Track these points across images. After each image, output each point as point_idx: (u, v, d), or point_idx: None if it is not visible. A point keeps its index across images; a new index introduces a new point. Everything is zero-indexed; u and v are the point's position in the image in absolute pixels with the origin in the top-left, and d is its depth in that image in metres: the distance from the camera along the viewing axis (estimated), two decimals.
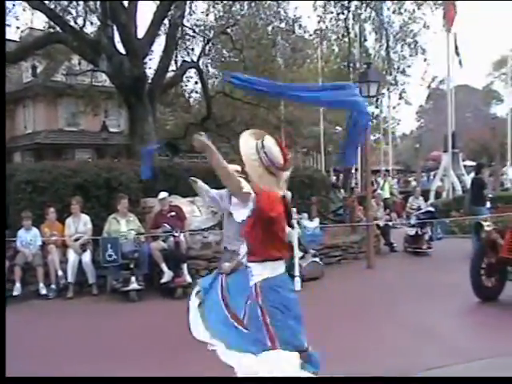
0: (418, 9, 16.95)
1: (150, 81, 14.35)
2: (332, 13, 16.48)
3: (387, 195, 17.11)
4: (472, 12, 39.04)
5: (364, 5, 16.29)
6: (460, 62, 19.23)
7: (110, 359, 5.18)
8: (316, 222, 9.91)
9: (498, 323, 6.15)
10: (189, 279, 8.22)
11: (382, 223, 11.85)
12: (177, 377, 4.37)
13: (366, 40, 19.79)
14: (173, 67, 16.83)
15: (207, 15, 16.73)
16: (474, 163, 18.78)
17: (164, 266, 8.08)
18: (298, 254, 8.63)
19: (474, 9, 57.77)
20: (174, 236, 8.30)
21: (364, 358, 5.10)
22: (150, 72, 15.35)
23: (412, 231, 11.55)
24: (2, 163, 6.18)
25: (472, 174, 12.95)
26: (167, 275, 8.03)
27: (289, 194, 10.19)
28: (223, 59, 17.89)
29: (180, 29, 15.28)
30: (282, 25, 16.83)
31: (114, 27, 12.64)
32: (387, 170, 25.19)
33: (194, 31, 16.61)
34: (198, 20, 16.78)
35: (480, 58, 67.40)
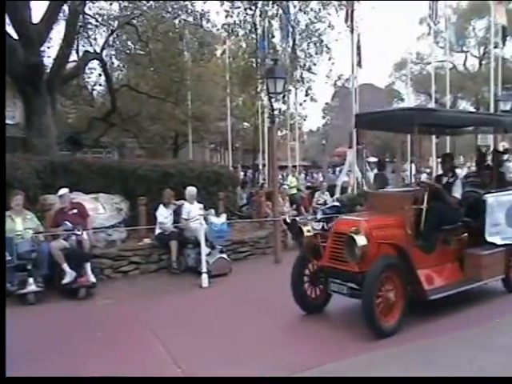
0: (324, 8, 17.51)
1: (48, 70, 13.77)
2: (239, 7, 16.62)
3: (294, 190, 17.58)
4: (375, 14, 40.94)
5: (271, 2, 16.57)
6: (359, 63, 20.09)
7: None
8: (223, 217, 10.03)
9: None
10: (93, 279, 8.07)
11: (288, 218, 12.17)
12: (177, 377, 4.41)
13: (273, 37, 20.11)
14: (74, 57, 16.21)
15: (111, 4, 16.27)
16: (376, 159, 19.71)
17: (66, 266, 7.87)
18: (204, 250, 8.71)
19: (377, 10, 60.46)
20: (76, 234, 8.13)
21: (260, 354, 5.31)
22: (48, 61, 14.70)
23: (318, 226, 11.95)
24: (2, 163, 5.95)
25: (375, 170, 13.60)
26: (69, 275, 7.84)
27: (194, 190, 10.12)
28: (128, 51, 17.47)
29: (81, 17, 14.73)
30: (190, 18, 16.74)
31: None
32: (294, 166, 25.83)
33: (97, 20, 16.05)
34: (101, 9, 16.26)
35: (383, 59, 70.90)
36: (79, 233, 8.17)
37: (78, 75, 16.90)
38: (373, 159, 23.68)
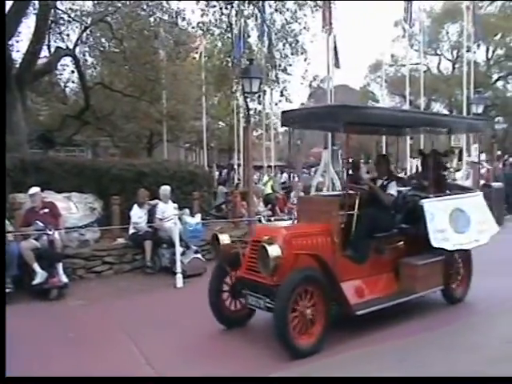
0: (300, 9, 17.59)
1: (17, 65, 13.52)
2: (215, 6, 16.59)
3: (269, 190, 17.62)
4: (351, 15, 41.28)
5: (247, 1, 16.58)
6: (337, 64, 20.26)
7: None
8: (198, 217, 10.01)
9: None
10: (64, 279, 7.98)
11: (263, 218, 12.19)
12: (177, 377, 4.40)
13: (249, 36, 20.15)
14: (46, 53, 15.96)
15: (84, 0, 16.11)
16: (350, 160, 19.89)
17: (36, 266, 7.78)
18: (179, 250, 8.68)
19: (352, 12, 61.02)
20: (48, 234, 8.04)
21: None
22: (17, 56, 14.45)
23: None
24: (2, 163, 5.82)
25: (350, 171, 13.69)
26: (40, 276, 7.74)
27: (168, 189, 10.05)
28: (102, 48, 17.24)
29: (53, 11, 14.50)
30: (165, 17, 16.62)
31: None
32: (270, 166, 25.89)
33: (70, 16, 15.80)
34: (73, 4, 16.04)
35: (358, 60, 71.58)
36: (51, 232, 8.07)
37: (50, 71, 16.66)
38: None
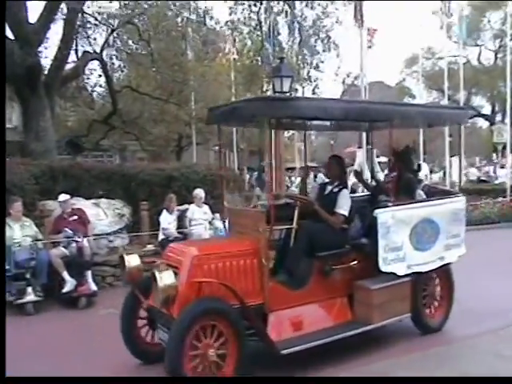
0: (331, 3, 17.53)
1: (46, 72, 13.81)
2: (244, 4, 16.67)
3: None
4: (385, 8, 40.84)
5: None
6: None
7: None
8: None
9: None
10: (93, 287, 8.05)
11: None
12: (177, 377, 4.34)
13: (279, 34, 20.17)
14: (73, 58, 16.28)
15: (111, 2, 16.35)
16: (387, 159, 19.64)
17: (66, 274, 7.85)
18: None
19: (386, 5, 60.42)
20: (77, 241, 8.12)
21: None
22: (46, 62, 14.76)
23: None
24: (2, 162, 5.96)
25: (386, 171, 13.48)
26: (69, 284, 7.82)
27: (202, 192, 10.03)
28: (129, 51, 17.53)
29: (80, 16, 14.78)
30: (193, 16, 16.80)
31: None
32: (303, 167, 25.81)
33: (96, 19, 16.12)
34: (100, 7, 16.29)
35: (393, 56, 70.75)
36: (80, 240, 8.15)
37: (78, 76, 16.98)
38: (383, 159, 23.59)
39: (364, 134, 18.51)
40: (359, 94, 21.12)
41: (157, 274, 4.62)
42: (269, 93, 21.45)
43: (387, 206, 5.76)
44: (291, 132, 29.49)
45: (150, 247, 9.70)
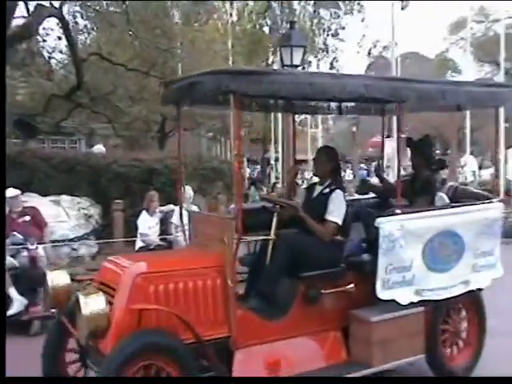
0: None
1: None
2: None
3: None
4: None
5: None
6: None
7: None
8: None
9: None
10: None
11: None
12: (177, 377, 4.39)
13: None
14: (23, 11, 16.02)
15: None
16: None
17: (13, 291, 7.77)
18: None
19: None
20: (29, 249, 8.10)
21: None
22: None
23: None
24: (2, 162, 6.08)
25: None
26: (18, 304, 7.74)
27: (191, 191, 9.91)
28: (98, 8, 17.32)
29: None
30: None
31: None
32: (297, 162, 25.81)
33: None
34: None
35: (433, 20, 70.37)
36: (33, 247, 8.12)
37: (30, 37, 16.66)
38: None
39: (395, 120, 18.50)
40: (388, 68, 21.04)
41: (81, 298, 4.42)
42: (275, 66, 21.36)
43: (393, 214, 5.51)
44: (303, 116, 29.47)
45: None
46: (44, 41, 18.62)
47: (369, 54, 31.85)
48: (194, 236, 5.93)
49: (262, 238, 5.59)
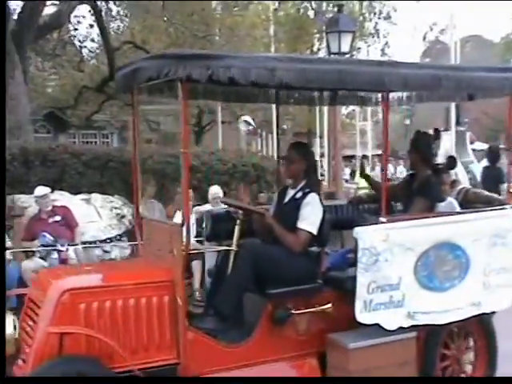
0: None
1: (14, 16, 13.79)
2: None
3: (365, 191, 17.35)
4: None
5: None
6: None
7: None
8: None
9: None
10: None
11: None
12: (178, 377, 4.51)
13: None
14: (54, 0, 16.25)
15: None
16: (486, 146, 19.20)
17: None
18: None
19: None
20: (60, 250, 8.14)
21: None
22: (15, 4, 14.73)
23: None
24: (2, 161, 6.25)
25: (485, 162, 13.15)
26: None
27: (219, 191, 9.85)
28: None
29: None
30: None
31: None
32: (365, 156, 25.56)
33: None
34: None
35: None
36: (63, 248, 8.17)
37: (61, 26, 16.87)
38: (480, 145, 23.17)
39: (453, 111, 18.28)
40: (446, 53, 20.79)
41: None
42: (321, 53, 21.30)
43: (376, 222, 5.12)
44: (351, 107, 29.31)
45: None
46: (75, 29, 18.88)
47: (424, 38, 31.58)
48: (145, 245, 5.63)
49: (221, 248, 5.38)
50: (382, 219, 5.11)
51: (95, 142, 22.61)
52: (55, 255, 8.14)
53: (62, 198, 9.31)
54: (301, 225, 5.13)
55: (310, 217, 5.18)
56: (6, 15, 10.65)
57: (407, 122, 40.23)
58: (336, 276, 5.38)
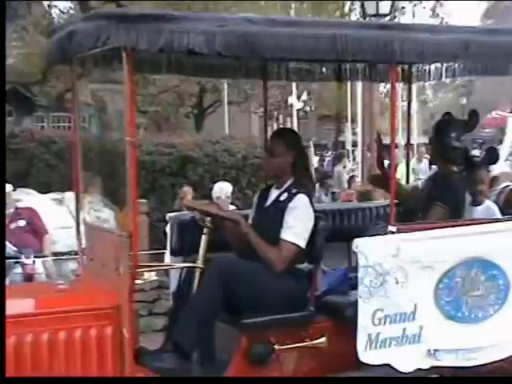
0: None
1: None
2: None
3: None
4: None
5: None
6: None
7: None
8: None
9: None
10: None
11: None
12: (177, 377, 4.50)
13: None
14: None
15: None
16: None
17: None
18: None
19: None
20: (24, 264, 8.23)
21: None
22: None
23: None
24: (2, 162, 6.42)
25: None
26: None
27: (228, 189, 9.84)
28: None
29: None
30: None
31: None
32: (409, 145, 25.54)
33: None
34: None
35: None
36: (29, 261, 8.25)
37: None
38: None
39: None
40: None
41: None
42: (354, 17, 21.33)
43: (378, 234, 4.93)
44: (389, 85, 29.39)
45: (148, 276, 9.67)
46: None
47: None
48: (87, 260, 5.47)
49: (182, 265, 5.20)
50: (392, 228, 4.83)
51: (69, 127, 22.63)
52: (18, 269, 8.20)
53: (27, 197, 9.38)
54: (285, 235, 4.85)
55: (297, 225, 4.90)
56: (5, 16, 10.77)
57: (463, 101, 40.08)
58: (332, 301, 5.13)
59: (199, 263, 4.80)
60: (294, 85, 22.51)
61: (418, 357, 4.78)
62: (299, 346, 4.82)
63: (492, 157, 6.25)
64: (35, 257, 8.39)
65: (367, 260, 4.62)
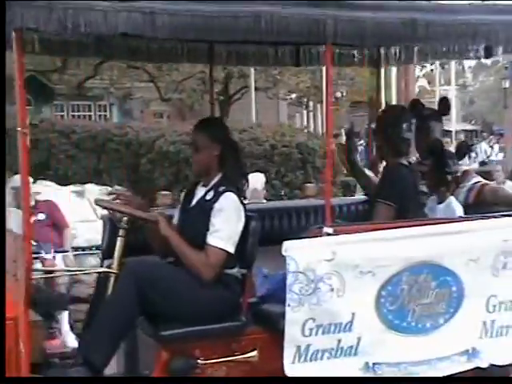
0: None
1: None
2: None
3: None
4: None
5: None
6: None
7: None
8: None
9: None
10: (72, 339, 8.04)
11: None
12: (176, 377, 4.45)
13: None
14: None
15: None
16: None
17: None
18: None
19: None
20: (44, 258, 8.32)
21: None
22: None
23: None
24: (2, 162, 6.58)
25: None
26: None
27: (261, 179, 9.83)
28: None
29: None
30: None
31: None
32: (447, 132, 25.34)
33: None
34: None
35: None
36: (49, 256, 8.34)
37: None
38: None
39: None
40: None
41: None
42: None
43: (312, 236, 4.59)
44: (429, 67, 29.11)
45: None
46: None
47: None
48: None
49: (94, 270, 5.14)
50: (327, 229, 4.53)
51: (90, 116, 22.68)
52: (38, 265, 8.21)
53: (46, 190, 9.40)
54: (211, 240, 4.60)
55: (224, 228, 4.65)
56: (5, 16, 10.85)
57: (506, 84, 39.65)
58: (267, 310, 4.82)
59: (114, 268, 4.59)
60: (324, 69, 22.39)
61: (354, 370, 4.58)
62: (227, 361, 4.57)
63: (461, 151, 6.15)
64: (55, 251, 8.45)
65: (297, 265, 4.38)
